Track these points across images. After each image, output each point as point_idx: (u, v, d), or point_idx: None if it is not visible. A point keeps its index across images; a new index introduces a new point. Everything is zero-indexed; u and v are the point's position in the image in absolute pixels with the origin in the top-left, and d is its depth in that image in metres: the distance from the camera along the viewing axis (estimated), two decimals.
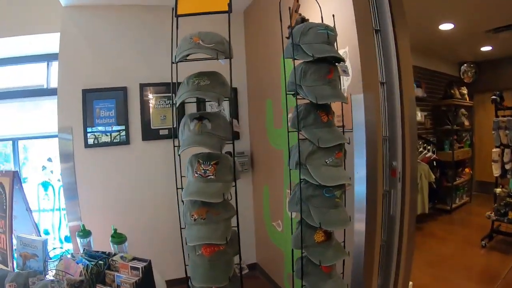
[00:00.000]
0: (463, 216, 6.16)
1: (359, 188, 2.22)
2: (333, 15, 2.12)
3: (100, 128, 3.64)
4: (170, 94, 3.77)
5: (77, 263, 1.92)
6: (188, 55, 1.81)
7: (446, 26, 4.97)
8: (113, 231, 2.40)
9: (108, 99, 3.68)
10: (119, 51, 3.72)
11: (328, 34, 1.82)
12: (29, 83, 4.18)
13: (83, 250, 2.29)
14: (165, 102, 3.87)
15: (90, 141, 3.61)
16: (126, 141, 3.73)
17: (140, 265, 1.89)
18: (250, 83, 4.19)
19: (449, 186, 6.27)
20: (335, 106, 2.12)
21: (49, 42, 3.70)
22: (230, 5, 1.86)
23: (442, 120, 6.47)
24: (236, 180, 1.90)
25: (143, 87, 3.78)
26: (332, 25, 1.97)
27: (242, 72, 4.21)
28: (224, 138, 1.86)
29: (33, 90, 4.16)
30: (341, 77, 1.97)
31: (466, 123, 6.78)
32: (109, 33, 3.71)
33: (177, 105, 1.82)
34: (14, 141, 4.12)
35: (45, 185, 4.01)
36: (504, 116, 4.92)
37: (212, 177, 1.80)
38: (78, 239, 2.43)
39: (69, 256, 2.07)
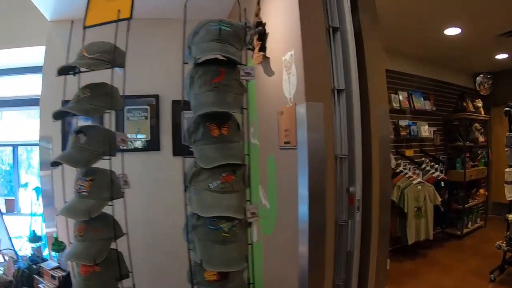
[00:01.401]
0: (475, 243, 5.54)
1: (303, 217, 1.85)
2: (245, 9, 1.87)
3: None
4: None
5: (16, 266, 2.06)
6: (74, 67, 1.87)
7: (452, 31, 4.47)
8: (54, 239, 2.45)
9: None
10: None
11: (220, 29, 1.55)
12: (30, 93, 4.42)
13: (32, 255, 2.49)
14: (139, 114, 3.77)
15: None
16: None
17: (59, 274, 2.00)
18: None
19: (459, 209, 5.68)
20: (286, 119, 1.94)
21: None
22: (131, 12, 1.88)
23: (453, 136, 5.91)
24: (118, 198, 1.85)
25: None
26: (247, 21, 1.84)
27: None
28: (98, 152, 1.78)
29: (29, 99, 4.40)
30: (287, 82, 1.82)
31: (481, 139, 6.17)
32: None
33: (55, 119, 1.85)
34: (14, 147, 4.69)
35: (38, 190, 4.09)
36: None
37: (85, 193, 1.76)
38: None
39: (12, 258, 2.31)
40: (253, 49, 2.48)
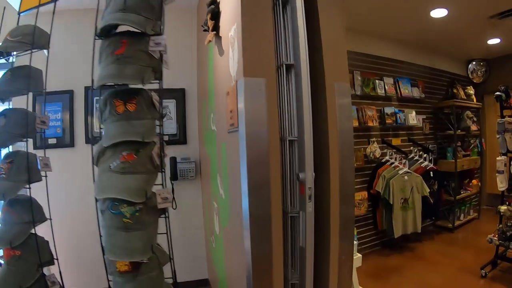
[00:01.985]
0: (467, 236, 5.30)
1: (244, 208, 1.66)
2: None
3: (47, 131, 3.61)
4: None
5: None
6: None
7: (438, 13, 4.21)
8: None
9: (55, 103, 3.60)
10: (68, 56, 3.52)
11: None
12: None
13: None
14: None
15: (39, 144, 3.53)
16: (71, 144, 3.64)
17: None
18: (201, 83, 3.72)
19: (451, 201, 5.43)
20: (230, 99, 1.76)
21: None
22: None
23: (444, 124, 5.63)
24: (36, 181, 1.85)
25: (87, 90, 3.64)
26: None
27: (192, 71, 3.82)
28: (15, 134, 1.79)
29: None
30: (232, 59, 1.69)
31: (474, 127, 5.91)
32: (62, 38, 3.40)
33: None
34: None
35: None
36: (511, 116, 4.05)
37: (4, 175, 1.76)
38: None
39: None
40: (208, 30, 2.32)
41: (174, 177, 3.69)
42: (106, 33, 1.62)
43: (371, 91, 4.74)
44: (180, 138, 3.86)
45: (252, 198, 1.61)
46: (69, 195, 3.44)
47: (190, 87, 3.86)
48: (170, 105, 3.85)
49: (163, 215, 1.68)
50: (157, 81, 1.70)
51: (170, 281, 1.88)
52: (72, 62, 3.38)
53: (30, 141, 3.39)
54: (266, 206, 1.64)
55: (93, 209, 1.59)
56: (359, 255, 2.61)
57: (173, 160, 3.71)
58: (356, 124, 4.57)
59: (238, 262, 1.99)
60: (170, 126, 3.84)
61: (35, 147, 3.13)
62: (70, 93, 3.59)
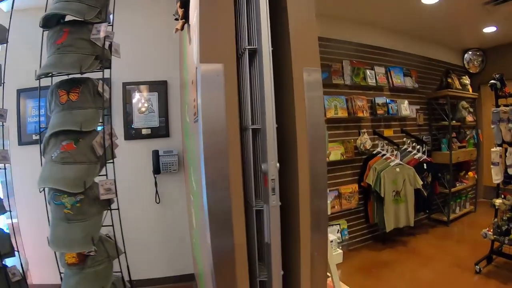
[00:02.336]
0: (463, 229, 5.17)
1: (204, 202, 1.56)
2: None
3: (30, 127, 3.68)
4: None
5: None
6: None
7: None
8: None
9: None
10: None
11: None
12: None
13: None
14: None
15: (25, 140, 3.64)
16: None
17: None
18: (180, 74, 3.60)
19: (445, 193, 5.29)
20: (193, 88, 1.66)
21: None
22: None
23: (438, 115, 5.48)
24: None
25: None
26: None
27: (174, 63, 3.67)
28: None
29: None
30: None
31: (469, 118, 5.75)
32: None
33: None
34: None
35: None
36: (506, 106, 3.88)
37: None
38: None
39: None
40: (178, 18, 2.26)
41: (156, 170, 3.61)
42: (56, 23, 1.56)
43: (361, 81, 4.60)
44: (163, 131, 3.74)
45: (210, 191, 1.49)
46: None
47: (172, 79, 3.74)
48: (153, 98, 3.75)
49: (112, 208, 1.57)
50: (101, 70, 1.60)
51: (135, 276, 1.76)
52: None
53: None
54: (226, 200, 1.52)
55: None
56: (340, 251, 2.49)
57: (155, 153, 3.61)
58: (345, 114, 4.43)
59: (206, 257, 1.88)
60: (152, 119, 3.75)
61: None
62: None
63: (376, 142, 4.71)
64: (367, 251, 4.51)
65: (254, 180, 1.63)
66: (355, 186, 4.58)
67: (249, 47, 1.59)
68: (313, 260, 1.79)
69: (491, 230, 3.62)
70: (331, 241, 2.43)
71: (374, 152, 4.64)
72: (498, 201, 3.67)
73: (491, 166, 3.91)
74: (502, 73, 3.96)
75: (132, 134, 3.74)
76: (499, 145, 3.87)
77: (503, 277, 3.43)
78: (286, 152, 1.69)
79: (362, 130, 4.60)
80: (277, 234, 1.63)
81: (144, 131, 3.76)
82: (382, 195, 4.31)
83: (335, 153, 4.40)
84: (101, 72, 1.62)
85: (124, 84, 3.71)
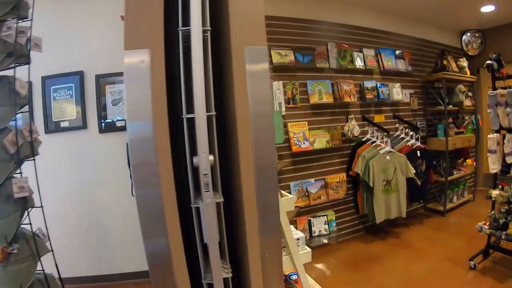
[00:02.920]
0: (460, 220, 4.90)
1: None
2: None
3: None
4: None
5: None
6: None
7: None
8: None
9: None
10: None
11: None
12: None
13: None
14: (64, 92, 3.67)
15: None
16: None
17: None
18: None
19: (442, 182, 5.01)
20: None
21: None
22: None
23: (434, 99, 5.19)
24: None
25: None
26: None
27: None
28: None
29: None
30: None
31: (467, 103, 5.45)
32: None
33: None
34: None
35: None
36: (504, 88, 3.55)
37: None
38: None
39: None
40: None
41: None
42: None
43: (348, 64, 4.32)
44: None
45: (137, 189, 1.33)
46: None
47: None
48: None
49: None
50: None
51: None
52: None
53: None
54: (157, 197, 1.35)
55: None
56: (308, 249, 2.24)
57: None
58: (331, 100, 4.17)
59: None
60: (123, 112, 3.61)
61: None
62: None
63: (366, 128, 4.43)
64: (356, 243, 4.26)
65: (193, 176, 1.40)
66: (343, 176, 4.33)
67: (182, 28, 1.34)
68: (265, 262, 1.55)
69: (487, 224, 3.32)
70: (298, 239, 2.18)
71: (364, 139, 4.37)
72: (494, 193, 3.38)
73: (488, 154, 3.61)
74: (499, 53, 3.65)
75: (106, 126, 3.62)
76: (497, 131, 3.57)
77: (500, 274, 3.17)
78: (230, 144, 1.51)
79: (350, 116, 4.32)
80: (214, 234, 1.40)
81: (118, 124, 3.63)
82: (371, 185, 4.05)
83: (320, 140, 4.15)
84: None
85: (97, 77, 3.59)
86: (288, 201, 2.04)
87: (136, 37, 1.33)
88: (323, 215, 4.24)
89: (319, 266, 3.76)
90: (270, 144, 1.50)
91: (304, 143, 4.07)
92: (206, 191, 1.35)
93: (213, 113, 1.36)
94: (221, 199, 1.41)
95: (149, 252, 1.39)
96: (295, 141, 4.03)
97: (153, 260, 1.40)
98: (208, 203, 1.36)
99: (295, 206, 3.99)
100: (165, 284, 1.41)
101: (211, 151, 1.35)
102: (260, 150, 1.46)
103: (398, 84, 4.75)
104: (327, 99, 4.15)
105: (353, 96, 4.26)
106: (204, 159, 1.33)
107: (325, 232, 4.23)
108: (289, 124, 4.02)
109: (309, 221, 4.19)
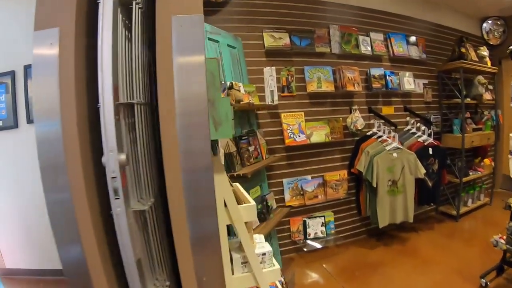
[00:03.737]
0: (475, 225, 4.40)
1: None
2: None
3: None
4: None
5: None
6: None
7: None
8: None
9: None
10: None
11: None
12: None
13: None
14: None
15: None
16: None
17: None
18: None
19: (456, 183, 4.53)
20: None
21: None
22: None
23: (450, 91, 4.68)
24: None
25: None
26: None
27: None
28: None
29: None
30: None
31: (487, 96, 4.93)
32: None
33: None
34: None
35: None
36: None
37: None
38: None
39: None
40: None
41: None
42: None
43: (352, 49, 3.86)
44: None
45: (47, 194, 1.11)
46: None
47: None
48: None
49: None
50: None
51: None
52: None
53: None
54: (67, 204, 1.12)
55: None
56: (276, 266, 1.83)
57: None
58: (331, 88, 3.73)
59: None
60: None
61: None
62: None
63: (372, 121, 3.98)
64: (356, 248, 3.83)
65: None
66: (343, 173, 3.90)
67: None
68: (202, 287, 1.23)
69: (504, 237, 2.84)
70: (263, 254, 1.76)
71: (369, 133, 3.92)
72: None
73: (509, 156, 3.14)
74: None
75: None
76: None
77: None
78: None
79: (354, 107, 3.87)
80: (129, 251, 1.15)
81: None
82: (374, 185, 3.60)
83: (318, 134, 3.72)
84: None
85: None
86: (247, 210, 1.65)
87: (46, 14, 1.07)
88: (320, 216, 3.83)
89: (310, 272, 3.37)
90: (203, 143, 1.17)
91: (299, 136, 3.65)
92: (116, 199, 1.10)
93: (134, 101, 1.17)
94: (144, 207, 1.17)
95: (64, 259, 1.15)
96: (289, 134, 3.63)
97: (67, 267, 1.17)
98: (117, 214, 1.11)
99: (287, 206, 3.64)
100: None
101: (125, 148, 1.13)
102: (190, 146, 1.16)
103: (410, 72, 4.27)
104: (327, 87, 3.72)
105: (358, 85, 3.81)
106: (112, 159, 1.08)
107: (321, 235, 3.81)
108: (282, 114, 3.64)
109: (304, 222, 3.78)
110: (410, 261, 3.41)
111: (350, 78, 3.75)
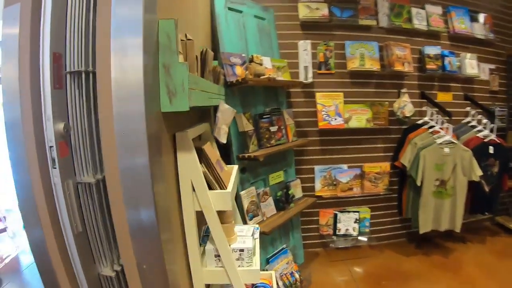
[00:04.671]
0: None
1: None
2: None
3: None
4: None
5: None
6: None
7: None
8: None
9: None
10: None
11: None
12: None
13: None
14: None
15: None
16: None
17: None
18: None
19: None
20: None
21: None
22: None
23: None
24: None
25: None
26: None
27: None
28: None
29: None
30: None
31: None
32: None
33: None
34: None
35: None
36: None
37: None
38: None
39: None
40: None
41: None
42: None
43: (403, 23, 3.31)
44: None
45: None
46: None
47: None
48: None
49: None
50: None
51: None
52: None
53: None
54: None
55: None
56: (255, 268, 1.54)
57: None
58: (377, 67, 3.22)
59: None
60: None
61: None
62: None
63: (424, 108, 3.41)
64: (390, 252, 3.36)
65: None
66: (386, 165, 3.41)
67: None
68: (144, 275, 1.15)
69: None
70: (241, 250, 1.45)
71: (419, 122, 3.36)
72: None
73: None
74: None
75: None
76: None
77: None
78: None
79: (402, 90, 3.34)
80: (65, 220, 1.20)
81: None
82: (419, 183, 3.08)
83: (358, 118, 3.26)
84: None
85: None
86: (219, 197, 1.33)
87: None
88: (354, 211, 3.39)
89: (331, 271, 3.00)
90: (137, 115, 1.04)
91: (335, 119, 3.22)
92: (54, 168, 1.15)
93: (81, 69, 1.19)
94: (89, 180, 1.22)
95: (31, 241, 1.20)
96: (324, 116, 3.20)
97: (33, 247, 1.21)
98: (56, 183, 1.16)
99: (315, 196, 3.24)
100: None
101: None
102: (126, 125, 1.05)
103: (473, 54, 3.62)
104: (372, 65, 3.22)
105: (409, 64, 3.27)
106: (49, 128, 1.13)
107: (353, 232, 3.38)
108: (317, 94, 3.21)
109: (335, 215, 3.37)
110: (448, 278, 2.88)
111: (399, 56, 3.22)
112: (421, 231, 3.15)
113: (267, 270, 2.60)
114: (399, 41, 3.28)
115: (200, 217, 1.44)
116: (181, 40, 1.30)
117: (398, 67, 3.20)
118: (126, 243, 1.12)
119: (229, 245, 1.50)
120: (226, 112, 1.84)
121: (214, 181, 1.47)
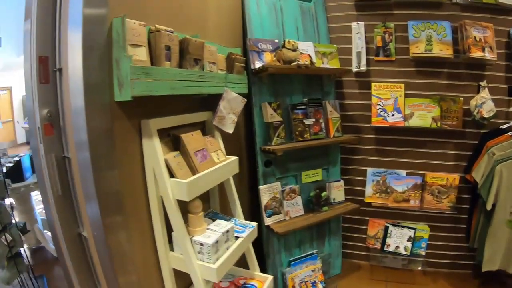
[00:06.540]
0: None
1: None
2: None
3: None
4: None
5: None
6: None
7: None
8: None
9: None
10: None
11: None
12: None
13: None
14: None
15: None
16: None
17: None
18: None
19: None
20: None
21: None
22: None
23: None
24: None
25: None
26: None
27: None
28: None
29: None
30: None
31: None
32: None
33: None
34: None
35: None
36: None
37: None
38: None
39: None
40: None
41: None
42: None
43: None
44: None
45: None
46: None
47: None
48: None
49: None
50: None
51: None
52: None
53: None
54: None
55: None
56: (213, 266, 1.51)
57: None
58: (449, 52, 2.59)
59: None
60: None
61: None
62: None
63: (511, 109, 2.64)
64: (447, 285, 2.71)
65: None
66: (455, 178, 2.76)
67: None
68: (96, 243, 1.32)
69: None
70: (201, 245, 1.49)
71: (504, 127, 2.60)
72: None
73: None
74: None
75: None
76: None
77: None
78: None
79: (483, 83, 2.61)
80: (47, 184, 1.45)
81: None
82: (489, 207, 2.39)
83: (422, 115, 2.71)
84: None
85: None
86: (176, 186, 1.43)
87: None
88: (410, 227, 2.84)
89: None
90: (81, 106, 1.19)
91: (393, 115, 2.73)
92: (40, 143, 1.40)
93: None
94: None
95: None
96: (378, 110, 2.75)
97: None
98: (42, 156, 1.40)
99: (363, 202, 2.81)
100: None
101: None
102: (78, 113, 1.19)
103: None
104: (442, 50, 2.60)
105: (491, 50, 2.54)
106: (36, 112, 1.39)
107: (404, 252, 2.84)
108: (373, 85, 2.77)
109: (386, 228, 2.88)
110: None
111: (478, 40, 2.52)
112: (484, 269, 2.45)
113: (284, 274, 2.51)
114: (478, 20, 2.57)
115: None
116: (150, 32, 1.36)
117: (476, 53, 2.51)
118: (84, 213, 1.38)
119: (192, 236, 1.51)
120: (233, 101, 1.84)
121: (190, 170, 1.52)
